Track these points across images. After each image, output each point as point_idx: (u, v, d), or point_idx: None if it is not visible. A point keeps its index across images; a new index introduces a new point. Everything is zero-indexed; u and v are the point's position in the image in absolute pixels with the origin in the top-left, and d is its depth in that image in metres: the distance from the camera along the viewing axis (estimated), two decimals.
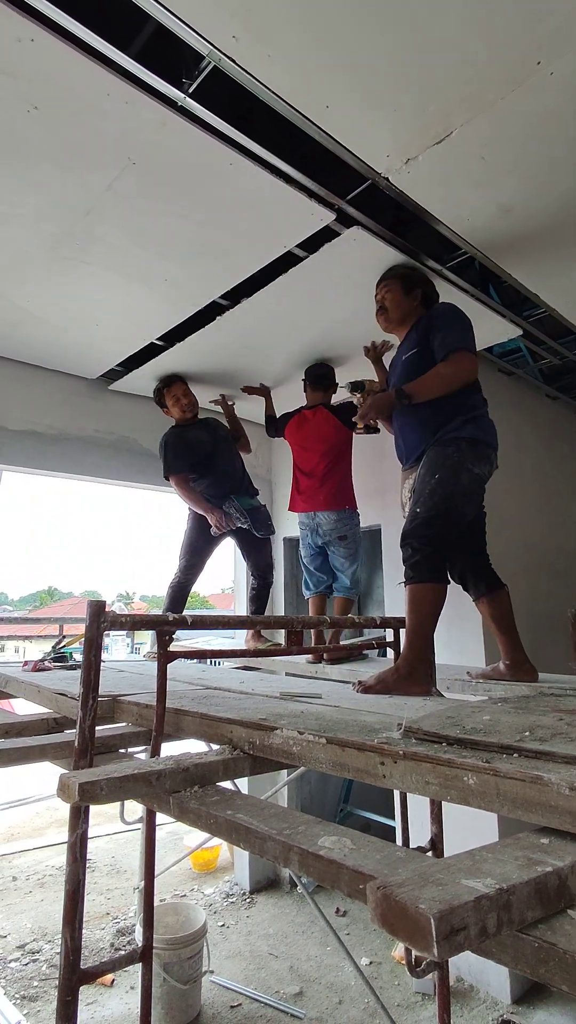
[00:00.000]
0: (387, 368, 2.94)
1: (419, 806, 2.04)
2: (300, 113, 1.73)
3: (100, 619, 1.45)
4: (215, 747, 1.47)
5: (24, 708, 2.32)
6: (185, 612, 3.84)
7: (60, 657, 2.90)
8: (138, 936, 3.25)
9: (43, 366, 3.50)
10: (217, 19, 1.47)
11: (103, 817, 5.07)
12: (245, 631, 3.76)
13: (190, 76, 1.70)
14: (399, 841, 2.13)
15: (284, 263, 2.52)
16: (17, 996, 3.05)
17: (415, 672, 1.90)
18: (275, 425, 3.60)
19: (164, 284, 2.64)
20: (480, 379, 2.29)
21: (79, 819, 1.36)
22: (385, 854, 0.89)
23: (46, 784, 5.92)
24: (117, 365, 3.51)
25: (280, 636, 3.65)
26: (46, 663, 2.77)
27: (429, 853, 1.88)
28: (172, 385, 3.47)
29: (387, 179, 2.00)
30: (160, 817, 1.61)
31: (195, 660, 3.39)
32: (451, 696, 2.00)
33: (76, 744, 1.42)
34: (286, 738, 1.26)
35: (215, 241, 2.34)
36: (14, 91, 1.66)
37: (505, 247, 2.43)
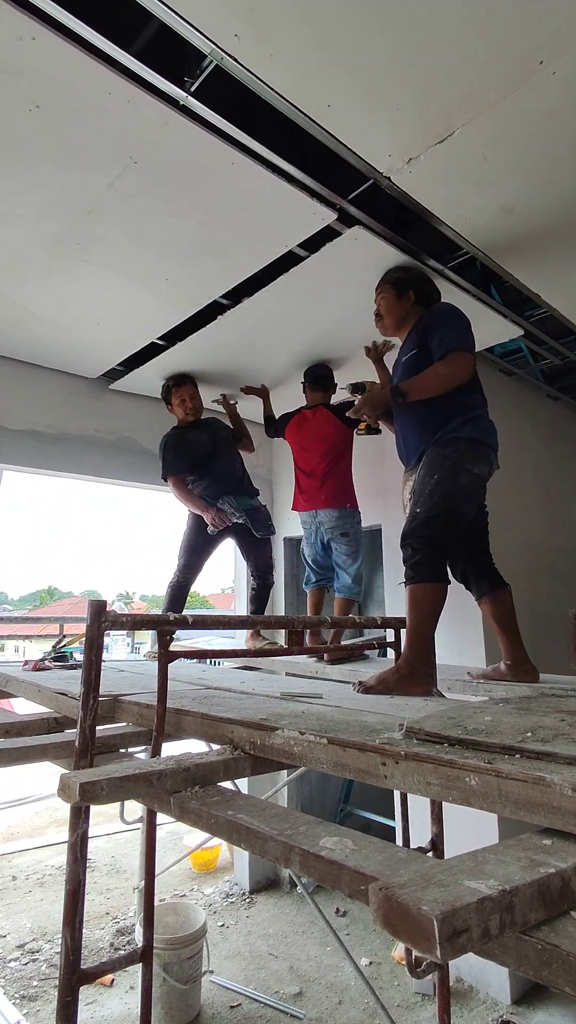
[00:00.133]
0: (387, 369, 2.95)
1: (419, 806, 2.03)
2: (302, 112, 1.73)
3: (101, 619, 1.45)
4: (216, 747, 1.47)
5: (24, 708, 2.32)
6: (185, 612, 3.84)
7: (60, 657, 2.89)
8: (138, 936, 3.24)
9: (44, 365, 3.49)
10: (219, 18, 1.47)
11: (103, 817, 5.06)
12: (245, 631, 3.76)
13: (192, 75, 1.70)
14: (399, 841, 2.13)
15: (285, 263, 2.52)
16: (17, 996, 3.05)
17: (416, 672, 1.90)
18: (275, 426, 3.61)
19: (165, 283, 2.64)
20: (481, 379, 2.28)
21: (80, 819, 1.36)
22: (387, 855, 0.88)
23: (46, 784, 5.91)
24: (118, 364, 3.51)
25: (280, 636, 3.65)
26: (46, 662, 2.77)
27: (430, 854, 1.87)
28: (182, 386, 3.48)
29: (389, 179, 2.00)
30: (160, 817, 1.60)
31: (195, 660, 3.39)
32: (452, 696, 2.00)
33: (77, 744, 1.42)
34: (287, 738, 1.26)
35: (216, 240, 2.34)
36: (15, 90, 1.66)
37: (507, 247, 2.42)
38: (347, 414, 2.35)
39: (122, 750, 1.72)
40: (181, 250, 2.40)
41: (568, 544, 4.32)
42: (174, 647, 1.57)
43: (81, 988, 1.37)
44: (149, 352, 3.35)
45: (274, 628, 3.18)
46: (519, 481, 3.87)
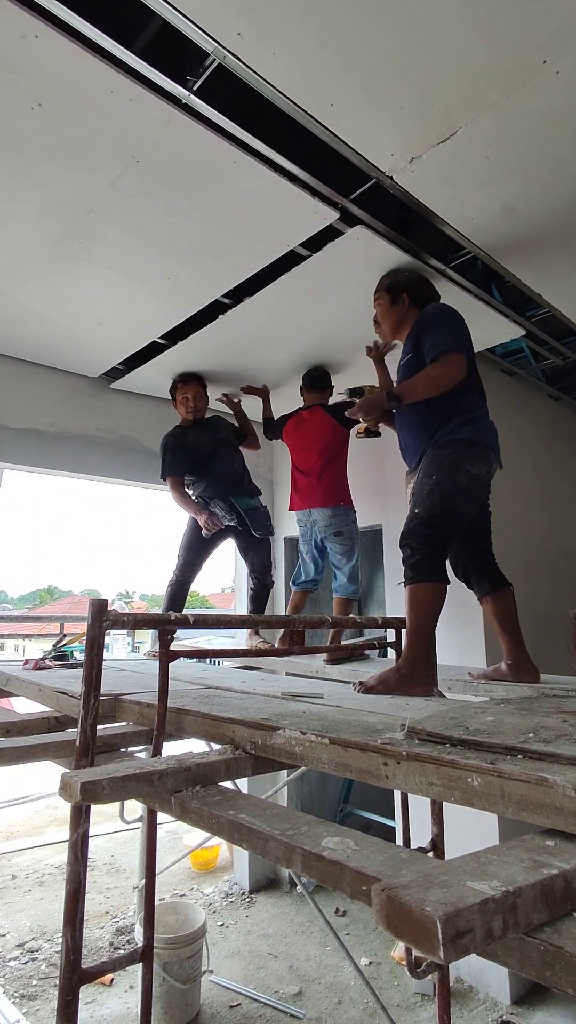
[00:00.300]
0: (387, 370, 2.97)
1: (419, 807, 2.04)
2: (304, 111, 1.73)
3: (102, 618, 1.45)
4: (216, 747, 1.46)
5: (24, 707, 2.31)
6: (185, 611, 3.84)
7: (61, 656, 2.89)
8: (138, 935, 3.24)
9: (45, 364, 3.49)
10: (222, 16, 1.47)
11: (102, 816, 5.06)
12: (245, 631, 3.76)
13: (195, 74, 1.69)
14: (399, 842, 2.13)
15: (287, 262, 2.52)
16: (16, 995, 3.05)
17: (416, 672, 1.90)
18: (273, 427, 3.63)
19: (166, 283, 2.64)
20: (482, 379, 2.28)
21: (80, 818, 1.36)
22: (388, 855, 0.88)
23: (46, 783, 5.93)
24: (119, 363, 3.51)
25: (273, 637, 3.65)
26: (47, 661, 2.77)
27: (430, 854, 1.87)
28: (186, 384, 3.48)
29: (391, 178, 2.00)
30: (159, 816, 1.60)
31: (195, 659, 3.39)
32: (452, 697, 1.99)
33: (78, 743, 1.41)
34: (288, 738, 1.26)
35: (217, 239, 2.34)
36: (18, 88, 1.65)
37: (508, 247, 2.42)
38: (345, 413, 2.36)
39: (123, 749, 1.72)
40: (182, 249, 2.40)
41: (568, 544, 4.32)
42: (174, 647, 1.57)
43: (81, 987, 1.37)
44: (150, 351, 3.35)
45: (276, 628, 3.19)
46: (519, 481, 3.87)
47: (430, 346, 2.15)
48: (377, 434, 2.70)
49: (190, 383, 3.48)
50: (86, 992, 3.06)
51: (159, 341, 3.25)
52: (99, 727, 1.47)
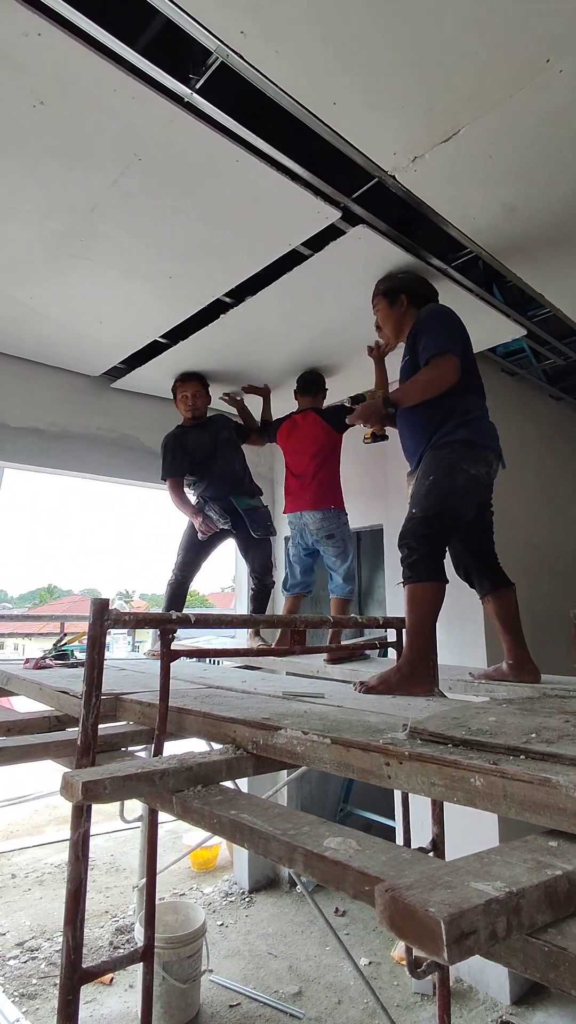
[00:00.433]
0: (386, 371, 3.00)
1: (419, 807, 2.04)
2: (307, 110, 1.73)
3: (104, 617, 1.44)
4: (217, 746, 1.46)
5: (24, 706, 2.31)
6: (186, 610, 3.84)
7: (61, 655, 2.89)
8: (137, 935, 3.24)
9: (45, 363, 3.49)
10: (226, 14, 1.46)
11: (102, 815, 5.06)
12: (244, 630, 3.76)
13: (197, 72, 1.69)
14: (400, 842, 2.13)
15: (288, 261, 2.52)
16: (16, 994, 3.05)
17: (417, 672, 1.90)
18: (268, 431, 3.64)
19: (168, 282, 2.63)
20: (483, 379, 2.28)
21: (81, 818, 1.36)
22: (391, 855, 0.88)
23: (45, 782, 5.92)
24: (120, 362, 3.50)
25: (270, 637, 3.65)
26: (47, 661, 2.76)
27: (430, 854, 1.87)
28: (185, 382, 3.48)
29: (394, 177, 2.00)
30: (159, 815, 1.60)
31: (196, 659, 3.38)
32: (453, 697, 1.99)
33: (79, 742, 1.41)
34: (290, 738, 1.26)
35: (220, 238, 2.33)
36: (20, 86, 1.65)
37: (510, 246, 2.42)
38: (346, 420, 2.37)
39: (123, 749, 1.72)
40: (184, 248, 2.40)
41: (569, 544, 4.32)
42: (173, 646, 1.57)
43: (81, 987, 1.36)
44: (151, 350, 3.35)
45: (277, 628, 3.19)
46: (521, 481, 3.87)
47: (423, 349, 2.17)
48: (384, 437, 2.70)
49: (190, 382, 3.48)
50: (86, 991, 3.04)
51: (160, 340, 3.24)
52: (100, 726, 1.47)
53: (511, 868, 0.74)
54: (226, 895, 4.16)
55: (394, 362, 2.63)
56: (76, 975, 1.31)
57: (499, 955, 0.70)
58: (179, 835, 5.25)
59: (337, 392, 3.80)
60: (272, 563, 3.62)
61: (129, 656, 5.68)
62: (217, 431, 3.52)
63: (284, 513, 3.44)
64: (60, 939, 3.51)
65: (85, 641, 1.64)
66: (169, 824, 5.31)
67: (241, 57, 1.57)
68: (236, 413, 3.86)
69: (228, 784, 1.32)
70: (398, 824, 3.46)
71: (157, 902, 1.97)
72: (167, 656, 1.52)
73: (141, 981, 1.69)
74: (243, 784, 3.75)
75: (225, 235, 2.31)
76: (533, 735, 1.08)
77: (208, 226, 2.26)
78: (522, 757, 0.97)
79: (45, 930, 3.71)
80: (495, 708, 1.47)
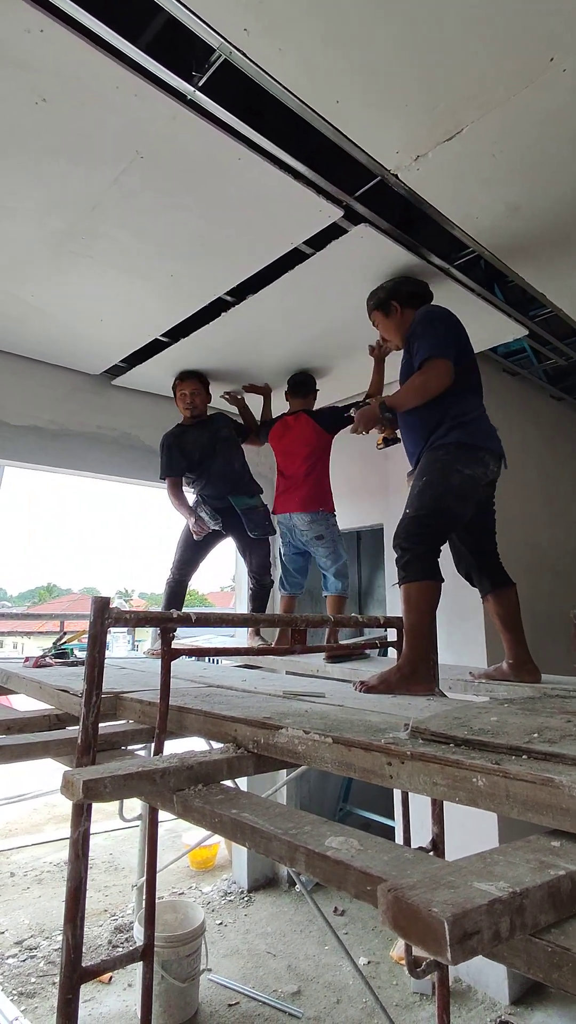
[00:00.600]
0: (383, 372, 3.02)
1: (418, 806, 2.03)
2: (310, 108, 1.72)
3: (104, 615, 1.44)
4: (218, 745, 1.46)
5: (24, 705, 2.31)
6: (185, 609, 3.83)
7: (61, 653, 2.89)
8: (136, 934, 3.24)
9: (46, 361, 3.48)
10: (229, 11, 1.46)
11: (101, 814, 5.05)
12: (244, 629, 3.75)
13: (200, 69, 1.69)
14: (400, 841, 2.12)
15: (290, 260, 2.51)
16: (15, 993, 3.05)
17: (418, 671, 1.90)
18: (262, 432, 3.65)
19: (169, 280, 2.63)
20: (483, 379, 2.28)
21: (82, 816, 1.35)
22: (393, 855, 0.88)
23: (44, 780, 5.92)
24: (120, 361, 3.50)
25: (270, 636, 3.65)
26: (47, 659, 2.76)
27: (430, 854, 1.87)
28: (184, 381, 3.48)
29: (396, 176, 1.99)
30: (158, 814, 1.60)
31: (195, 658, 3.38)
32: (453, 696, 1.99)
33: (79, 741, 1.41)
34: (291, 737, 1.25)
35: (221, 237, 2.33)
36: (22, 83, 1.65)
37: (512, 246, 2.42)
38: (348, 429, 2.38)
39: (124, 747, 1.72)
40: (185, 246, 2.39)
41: (570, 544, 4.32)
42: (173, 645, 1.57)
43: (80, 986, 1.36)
44: (152, 348, 3.34)
45: (278, 627, 3.18)
46: (522, 481, 3.87)
47: (416, 353, 2.19)
48: (396, 440, 2.69)
49: (189, 380, 3.47)
50: (84, 990, 3.04)
51: (161, 339, 3.24)
52: (100, 725, 1.47)
53: (514, 868, 0.74)
54: (225, 894, 4.16)
55: (394, 362, 2.63)
56: (76, 974, 1.31)
57: (502, 955, 0.70)
58: (178, 834, 5.25)
59: (334, 393, 3.80)
60: (271, 563, 3.62)
61: (129, 655, 5.67)
62: (216, 430, 3.51)
63: (274, 514, 3.46)
64: (59, 938, 3.51)
65: (85, 640, 1.64)
66: (168, 823, 5.31)
67: (244, 54, 1.56)
68: (236, 412, 3.86)
69: (228, 783, 1.32)
70: (397, 824, 3.46)
71: (156, 901, 1.97)
72: (168, 655, 1.52)
73: (141, 980, 1.69)
74: (242, 783, 3.75)
75: (227, 233, 2.30)
76: (535, 735, 1.08)
77: (210, 224, 2.25)
78: (524, 757, 0.97)
79: (44, 928, 3.71)
80: (497, 708, 1.47)
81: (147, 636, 4.99)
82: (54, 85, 1.66)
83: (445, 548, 2.10)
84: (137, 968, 2.87)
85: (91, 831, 1.41)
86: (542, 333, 3.38)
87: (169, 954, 2.86)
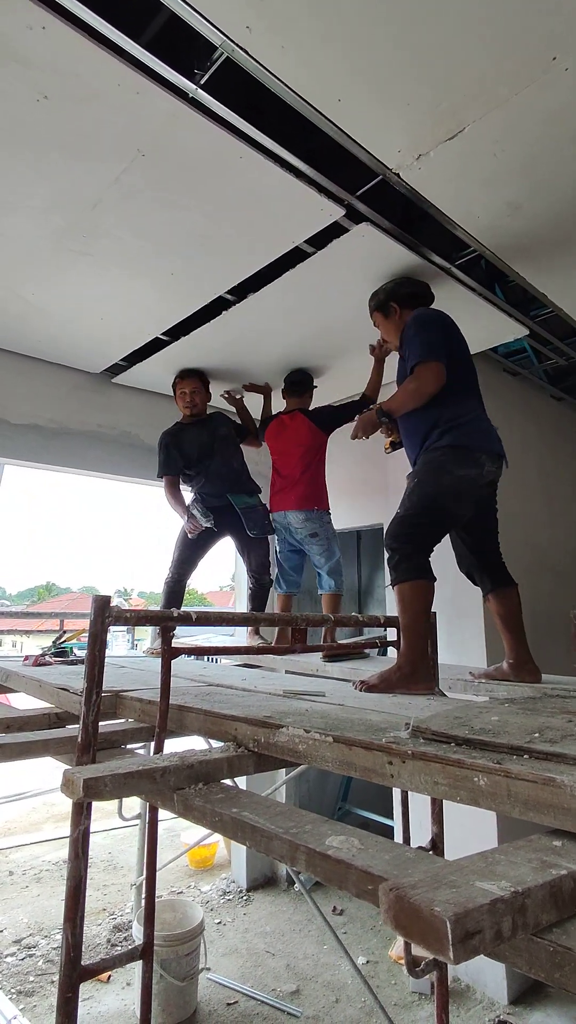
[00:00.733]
0: (381, 373, 3.01)
1: (418, 806, 2.03)
2: (312, 106, 1.72)
3: (104, 614, 1.44)
4: (218, 744, 1.46)
5: (24, 703, 2.31)
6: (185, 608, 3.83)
7: (61, 652, 2.89)
8: (136, 933, 3.24)
9: (46, 359, 3.48)
10: (231, 9, 1.46)
11: (100, 813, 5.04)
12: (243, 629, 3.75)
13: (202, 67, 1.68)
14: (399, 840, 2.12)
15: (291, 258, 2.51)
16: (13, 991, 3.05)
17: (418, 671, 1.90)
18: (261, 433, 3.66)
19: (170, 278, 2.62)
20: (484, 379, 2.28)
21: (81, 815, 1.35)
22: (394, 855, 0.88)
23: (43, 779, 5.92)
24: (121, 359, 3.49)
25: (269, 636, 3.65)
26: (47, 658, 2.76)
27: (430, 853, 1.87)
28: (184, 379, 3.48)
29: (398, 175, 1.99)
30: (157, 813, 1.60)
31: (195, 657, 3.38)
32: (453, 696, 1.99)
33: (79, 740, 1.41)
34: (292, 736, 1.25)
35: (222, 235, 2.32)
36: (24, 80, 1.64)
37: (514, 245, 2.41)
38: (350, 437, 2.38)
39: (124, 746, 1.71)
40: (186, 245, 2.39)
41: (570, 544, 4.32)
42: (172, 644, 1.56)
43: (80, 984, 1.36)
44: (153, 346, 3.34)
45: (278, 626, 3.18)
46: (522, 481, 3.87)
47: (408, 357, 2.20)
48: (400, 445, 2.69)
49: (188, 378, 3.47)
50: (83, 989, 3.02)
51: (161, 337, 3.23)
52: (100, 723, 1.46)
53: (516, 868, 0.74)
54: (224, 893, 4.16)
55: (393, 363, 2.63)
56: (76, 973, 1.31)
57: (504, 955, 0.70)
58: (177, 833, 5.24)
59: (334, 392, 3.80)
60: (270, 562, 3.62)
61: (128, 654, 5.67)
62: (215, 429, 3.50)
63: (270, 512, 3.47)
64: (57, 936, 3.51)
65: (84, 639, 1.64)
66: (167, 822, 5.30)
67: (246, 52, 1.56)
68: (235, 412, 3.86)
69: (228, 782, 1.32)
70: (397, 823, 3.47)
71: (155, 900, 1.97)
72: (168, 653, 1.51)
73: (139, 979, 1.69)
74: (241, 782, 3.75)
75: (228, 232, 2.30)
76: (536, 735, 1.08)
77: (211, 222, 2.25)
78: (526, 756, 0.97)
79: (43, 927, 3.71)
80: (498, 707, 1.47)
81: (146, 635, 4.98)
82: (55, 82, 1.65)
83: (439, 548, 2.10)
84: (136, 967, 2.88)
85: (91, 830, 1.41)
86: (543, 333, 3.38)
87: (168, 953, 2.86)
